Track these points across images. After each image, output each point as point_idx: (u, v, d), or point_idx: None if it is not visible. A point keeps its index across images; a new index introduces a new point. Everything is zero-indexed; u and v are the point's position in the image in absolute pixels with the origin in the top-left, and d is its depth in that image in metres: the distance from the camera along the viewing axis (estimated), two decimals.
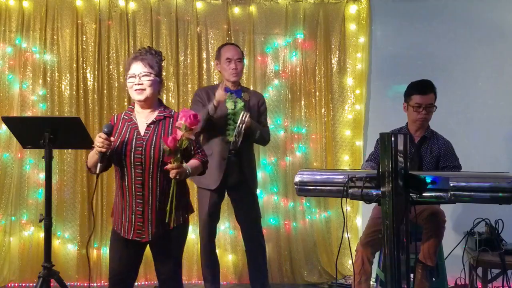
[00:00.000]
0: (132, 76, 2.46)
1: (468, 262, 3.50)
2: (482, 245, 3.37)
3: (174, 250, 2.55)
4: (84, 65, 4.15)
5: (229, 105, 3.42)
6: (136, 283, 2.68)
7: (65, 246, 4.12)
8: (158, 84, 2.51)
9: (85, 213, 4.10)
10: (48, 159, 2.69)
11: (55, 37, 4.14)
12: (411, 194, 2.02)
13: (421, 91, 3.20)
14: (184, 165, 2.42)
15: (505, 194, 2.00)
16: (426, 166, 3.22)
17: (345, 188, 2.14)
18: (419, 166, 3.21)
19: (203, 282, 3.59)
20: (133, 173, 2.42)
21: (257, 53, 4.25)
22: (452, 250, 3.48)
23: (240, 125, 3.25)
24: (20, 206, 4.09)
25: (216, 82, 3.99)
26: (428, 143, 3.24)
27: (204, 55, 4.21)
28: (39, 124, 2.72)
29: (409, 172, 2.01)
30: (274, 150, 4.25)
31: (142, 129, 2.48)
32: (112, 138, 2.38)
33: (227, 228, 4.16)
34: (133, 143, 2.43)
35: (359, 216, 4.25)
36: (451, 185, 2.03)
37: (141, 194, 2.42)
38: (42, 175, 3.96)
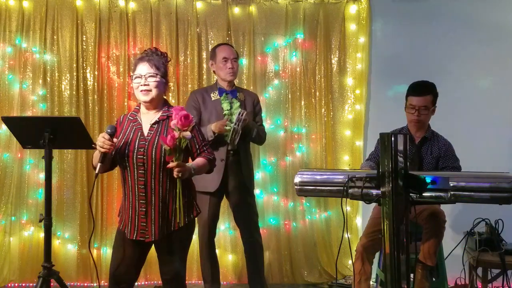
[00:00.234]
0: (138, 77, 2.46)
1: (468, 262, 3.50)
2: (482, 245, 3.38)
3: (179, 251, 2.54)
4: (84, 65, 4.15)
5: (225, 106, 3.42)
6: (136, 283, 2.67)
7: (65, 246, 4.12)
8: (163, 85, 2.51)
9: (85, 213, 4.09)
10: (48, 159, 2.69)
11: (55, 37, 4.14)
12: (411, 194, 2.03)
13: (416, 92, 3.18)
14: (188, 164, 2.41)
15: (505, 194, 2.00)
16: (426, 167, 3.21)
17: (345, 188, 2.14)
18: (419, 167, 3.21)
19: (202, 282, 3.60)
20: (135, 174, 2.42)
21: (257, 53, 4.25)
22: (452, 250, 3.48)
23: (238, 123, 3.25)
24: (20, 206, 4.09)
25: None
26: (428, 144, 3.24)
27: (204, 55, 4.21)
28: (39, 124, 2.72)
29: (409, 172, 2.01)
30: (274, 150, 4.25)
31: (146, 129, 2.48)
32: (115, 140, 2.38)
33: (227, 228, 4.16)
34: (136, 143, 2.43)
35: (359, 216, 4.25)
36: (451, 185, 2.03)
37: (144, 194, 2.41)
38: (42, 175, 3.96)
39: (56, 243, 4.07)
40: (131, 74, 2.51)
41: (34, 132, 2.67)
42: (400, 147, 1.97)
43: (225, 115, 3.40)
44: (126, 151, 2.42)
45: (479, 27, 4.16)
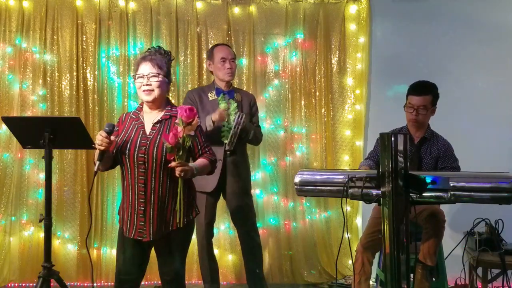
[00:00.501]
0: (141, 77, 2.46)
1: (468, 262, 3.50)
2: (482, 245, 3.38)
3: (178, 251, 2.54)
4: (84, 65, 4.15)
5: (222, 106, 3.43)
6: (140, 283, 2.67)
7: (65, 246, 4.12)
8: (166, 84, 2.51)
9: (85, 213, 4.09)
10: (48, 159, 2.69)
11: (55, 37, 4.14)
12: (411, 194, 2.03)
13: (416, 92, 3.19)
14: (191, 164, 2.41)
15: (505, 194, 2.00)
16: (426, 167, 3.21)
17: (345, 188, 2.15)
18: (418, 167, 3.21)
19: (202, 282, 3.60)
20: (136, 172, 2.41)
21: (257, 53, 4.25)
22: (452, 250, 3.49)
23: (237, 126, 3.25)
24: (20, 206, 4.09)
25: None
26: (427, 144, 3.24)
27: (204, 55, 4.20)
28: (39, 124, 2.72)
29: (409, 172, 2.01)
30: (274, 150, 4.25)
31: (148, 128, 2.47)
32: (112, 137, 2.37)
33: (227, 228, 4.16)
34: (138, 142, 2.42)
35: (359, 216, 4.25)
36: (451, 185, 2.03)
37: (143, 193, 2.41)
38: (42, 175, 3.96)
39: (56, 243, 4.07)
40: (134, 73, 2.51)
41: (34, 132, 2.67)
42: (400, 147, 1.97)
43: None
44: (127, 149, 2.42)
45: (479, 27, 4.16)
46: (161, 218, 2.44)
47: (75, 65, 4.12)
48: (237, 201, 3.48)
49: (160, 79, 2.46)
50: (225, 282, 4.11)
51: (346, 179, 2.16)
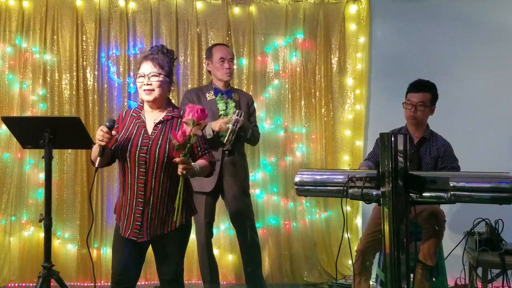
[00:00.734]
0: (142, 76, 2.45)
1: (468, 262, 3.50)
2: (482, 245, 3.37)
3: (176, 251, 2.53)
4: (84, 65, 4.15)
5: (221, 106, 3.43)
6: (137, 283, 2.66)
7: (65, 246, 4.12)
8: (167, 84, 2.50)
9: (85, 213, 4.10)
10: (48, 159, 2.69)
11: (55, 37, 4.14)
12: (411, 194, 2.03)
13: (415, 89, 3.22)
14: (192, 163, 2.41)
15: (505, 194, 2.00)
16: (425, 167, 3.21)
17: (345, 188, 2.14)
18: (418, 167, 3.21)
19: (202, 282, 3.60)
20: (136, 172, 2.40)
21: (257, 53, 4.25)
22: (452, 250, 3.48)
23: (236, 124, 3.25)
24: (20, 206, 4.09)
25: None
26: (427, 144, 3.24)
27: (204, 55, 4.20)
28: (39, 124, 2.72)
29: (409, 172, 2.01)
30: (274, 150, 4.25)
31: (149, 128, 2.46)
32: (114, 132, 2.36)
33: (227, 228, 4.16)
34: (139, 141, 2.42)
35: (359, 216, 4.25)
36: (451, 185, 2.03)
37: (142, 193, 2.40)
38: (42, 175, 3.96)
39: (56, 243, 4.07)
40: (136, 72, 2.50)
41: (34, 132, 2.67)
42: (400, 147, 1.97)
43: (221, 116, 3.41)
44: (129, 147, 2.40)
45: (479, 27, 4.16)
46: (159, 219, 2.43)
47: (75, 65, 4.12)
48: (236, 201, 3.48)
49: (161, 79, 2.45)
50: (225, 282, 4.11)
51: (346, 179, 2.16)
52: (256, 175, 4.20)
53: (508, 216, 3.31)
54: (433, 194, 2.08)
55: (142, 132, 2.45)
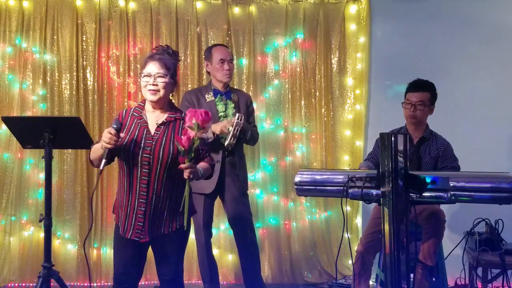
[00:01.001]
0: (147, 76, 2.43)
1: (468, 262, 3.50)
2: (482, 245, 3.37)
3: (176, 252, 2.54)
4: (84, 65, 4.15)
5: (220, 108, 3.43)
6: (138, 283, 2.67)
7: (65, 246, 4.12)
8: (172, 85, 2.49)
9: (85, 213, 4.09)
10: (48, 159, 2.69)
11: (55, 37, 4.13)
12: (411, 194, 2.03)
13: (414, 88, 3.23)
14: (197, 166, 2.41)
15: (505, 194, 2.00)
16: (425, 167, 3.21)
17: (345, 188, 2.15)
18: (417, 167, 3.21)
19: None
20: (139, 172, 2.40)
21: (257, 53, 4.25)
22: (452, 250, 3.48)
23: (237, 128, 3.25)
24: (20, 206, 4.09)
25: None
26: (427, 144, 3.24)
27: (203, 55, 4.21)
28: (39, 124, 2.72)
29: (409, 172, 2.01)
30: (274, 150, 4.25)
31: (152, 128, 2.45)
32: (122, 135, 2.35)
33: (226, 228, 4.16)
34: (142, 142, 2.41)
35: (359, 216, 4.25)
36: (451, 185, 2.04)
37: (145, 194, 2.40)
38: (42, 175, 3.95)
39: (56, 243, 4.07)
40: (140, 71, 2.49)
41: (34, 132, 2.67)
42: (400, 147, 1.97)
43: (221, 117, 3.41)
44: (132, 148, 2.39)
45: (479, 27, 4.16)
46: (160, 220, 2.44)
47: (75, 65, 4.12)
48: (235, 202, 3.49)
49: (166, 80, 2.44)
50: (225, 282, 4.11)
51: (346, 179, 2.16)
52: (256, 175, 4.20)
53: (508, 216, 3.31)
54: (433, 194, 2.08)
55: (145, 132, 2.44)
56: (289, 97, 4.26)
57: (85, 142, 2.74)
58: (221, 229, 4.16)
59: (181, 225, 2.48)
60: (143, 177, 2.39)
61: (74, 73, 4.12)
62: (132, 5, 4.18)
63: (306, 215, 4.25)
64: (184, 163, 2.29)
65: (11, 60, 4.13)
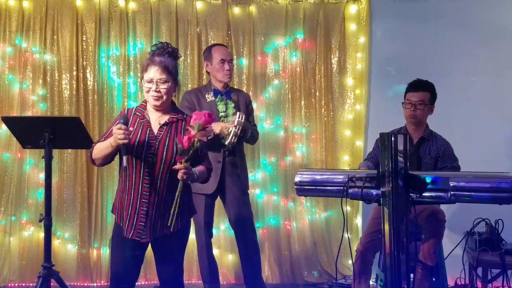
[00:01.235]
0: (149, 82, 2.42)
1: (468, 262, 3.50)
2: (482, 245, 3.38)
3: (176, 251, 2.54)
4: (84, 65, 4.15)
5: (221, 108, 3.43)
6: (136, 283, 2.67)
7: (65, 246, 4.12)
8: (174, 88, 2.48)
9: (85, 213, 4.09)
10: (48, 159, 2.69)
11: (55, 37, 4.13)
12: (411, 194, 2.03)
13: (413, 88, 3.24)
14: (193, 169, 2.40)
15: (505, 194, 2.00)
16: (425, 167, 3.22)
17: (345, 188, 2.15)
18: (417, 167, 3.21)
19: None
20: (142, 172, 2.40)
21: (257, 53, 4.25)
22: (452, 250, 3.48)
23: (238, 127, 3.25)
24: (20, 206, 4.09)
25: None
26: (426, 144, 3.24)
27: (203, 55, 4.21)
28: (39, 124, 2.72)
29: (409, 172, 2.01)
30: (274, 150, 4.25)
31: (154, 128, 2.45)
32: (131, 128, 2.35)
33: (227, 228, 4.16)
34: (146, 141, 2.40)
35: (359, 216, 4.25)
36: (451, 185, 2.04)
37: (147, 194, 2.40)
38: (42, 175, 3.95)
39: (56, 243, 4.07)
40: (142, 73, 2.47)
41: (34, 132, 2.68)
42: (400, 147, 1.97)
43: (221, 117, 3.41)
44: (135, 147, 2.39)
45: (479, 27, 4.16)
46: (162, 220, 2.43)
47: (75, 65, 4.12)
48: (236, 202, 3.48)
49: (169, 85, 2.42)
50: (225, 282, 4.12)
51: (346, 179, 2.16)
52: (256, 175, 4.20)
53: (508, 216, 3.31)
54: (433, 194, 2.08)
55: (148, 132, 2.43)
56: (289, 97, 4.26)
57: (85, 142, 2.74)
58: (221, 229, 4.16)
59: (182, 226, 2.49)
60: (145, 177, 2.39)
61: (74, 73, 4.12)
62: (132, 5, 4.18)
63: (306, 215, 4.25)
64: (181, 163, 2.29)
65: (11, 60, 4.13)
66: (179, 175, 2.30)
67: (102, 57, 4.16)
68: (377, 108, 4.27)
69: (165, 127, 2.45)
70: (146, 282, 4.08)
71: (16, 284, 4.05)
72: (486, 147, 4.05)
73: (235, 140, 3.29)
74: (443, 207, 3.21)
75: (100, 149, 2.40)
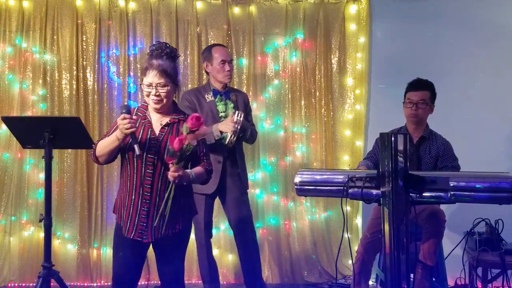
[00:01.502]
0: (149, 86, 2.41)
1: (468, 262, 3.50)
2: (482, 245, 3.37)
3: (177, 252, 2.54)
4: (84, 65, 4.15)
5: (220, 108, 3.43)
6: (138, 283, 2.67)
7: (65, 246, 4.12)
8: (174, 90, 2.48)
9: (85, 213, 4.09)
10: (48, 159, 2.69)
11: (55, 37, 4.13)
12: (411, 194, 2.03)
13: (414, 87, 3.25)
14: (189, 170, 2.40)
15: (505, 194, 2.00)
16: (425, 167, 3.22)
17: (345, 188, 2.15)
18: (417, 167, 3.21)
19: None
20: (143, 172, 2.40)
21: (257, 53, 4.25)
22: (452, 250, 3.48)
23: (237, 125, 3.25)
24: (20, 206, 4.09)
25: None
26: (426, 143, 3.25)
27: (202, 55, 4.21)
28: (39, 124, 2.72)
29: (409, 172, 2.01)
30: (274, 150, 4.25)
31: (156, 128, 2.45)
32: (134, 117, 2.35)
33: (227, 228, 4.16)
34: (147, 142, 2.40)
35: (359, 216, 4.25)
36: (451, 185, 2.04)
37: (148, 194, 2.40)
38: (42, 175, 3.95)
39: (56, 243, 4.07)
40: (141, 76, 2.47)
41: (34, 132, 2.68)
42: (400, 147, 1.97)
43: (221, 117, 3.41)
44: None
45: (479, 27, 4.16)
46: (163, 220, 2.43)
47: (75, 65, 4.12)
48: (236, 203, 3.48)
49: (168, 89, 2.42)
50: (225, 282, 4.12)
51: (346, 179, 2.16)
52: (256, 175, 4.20)
53: (508, 216, 3.31)
54: (433, 194, 2.08)
55: (149, 132, 2.43)
56: (289, 97, 4.26)
57: (85, 142, 2.74)
58: (221, 229, 4.16)
59: (183, 227, 2.49)
60: (147, 177, 2.39)
61: (74, 73, 4.12)
62: (132, 5, 4.18)
63: (306, 215, 4.25)
64: (172, 164, 2.29)
65: (11, 60, 4.13)
66: (170, 178, 2.30)
67: (102, 57, 4.16)
68: (377, 108, 4.27)
69: (166, 127, 2.45)
70: (146, 282, 4.07)
71: (16, 284, 4.05)
72: (486, 147, 4.05)
73: (234, 138, 3.29)
74: (443, 207, 3.21)
75: (105, 145, 2.39)
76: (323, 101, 4.25)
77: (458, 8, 4.19)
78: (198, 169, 2.47)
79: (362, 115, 4.25)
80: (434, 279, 3.27)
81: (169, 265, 2.53)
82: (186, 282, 3.92)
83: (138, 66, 4.12)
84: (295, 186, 2.35)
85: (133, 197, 2.42)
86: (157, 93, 2.41)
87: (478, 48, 4.16)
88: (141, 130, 2.43)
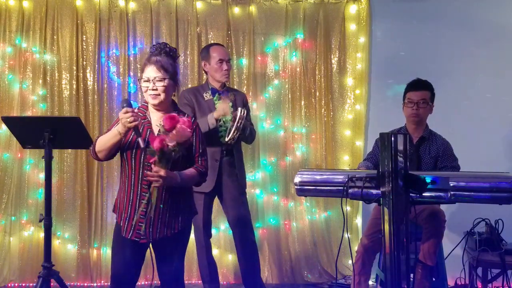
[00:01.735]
0: (146, 81, 2.41)
1: (468, 262, 3.50)
2: (482, 245, 3.38)
3: (177, 253, 2.53)
4: (84, 65, 4.15)
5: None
6: (136, 283, 2.67)
7: (65, 246, 4.11)
8: (172, 87, 2.47)
9: (85, 213, 4.09)
10: (48, 159, 2.69)
11: (55, 37, 4.13)
12: (411, 194, 2.03)
13: (414, 87, 3.26)
14: (176, 172, 2.36)
15: (505, 194, 2.00)
16: (425, 167, 3.22)
17: (345, 188, 2.15)
18: (417, 167, 3.21)
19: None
20: (141, 173, 2.39)
21: (257, 53, 4.25)
22: (452, 250, 3.48)
23: (240, 121, 3.25)
24: (20, 206, 4.09)
25: None
26: (426, 143, 3.25)
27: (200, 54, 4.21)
28: (39, 124, 2.72)
29: (409, 172, 2.01)
30: (274, 150, 4.25)
31: (155, 128, 2.45)
32: (135, 109, 2.35)
33: (226, 228, 4.15)
34: (146, 141, 2.38)
35: (359, 216, 4.25)
36: (451, 185, 2.04)
37: (146, 194, 2.40)
38: (42, 175, 3.95)
39: (56, 243, 4.07)
40: (140, 74, 2.47)
41: (34, 132, 2.68)
42: (400, 147, 1.97)
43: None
44: (135, 148, 2.38)
45: (479, 27, 4.16)
46: (162, 221, 2.43)
47: (75, 65, 4.12)
48: (235, 203, 3.48)
49: (166, 83, 2.41)
50: (225, 282, 4.11)
51: (346, 179, 2.16)
52: (256, 175, 4.20)
53: (508, 216, 3.31)
54: (433, 194, 2.09)
55: (148, 133, 2.43)
56: (289, 97, 4.26)
57: (85, 142, 2.74)
58: (221, 229, 4.16)
59: (183, 227, 2.48)
60: (145, 178, 2.38)
61: (74, 73, 4.12)
62: (132, 5, 4.18)
63: (306, 215, 4.25)
64: (154, 164, 2.28)
65: (11, 60, 4.13)
66: (148, 178, 2.29)
67: (102, 57, 4.16)
68: (377, 108, 4.27)
69: None
70: (146, 282, 4.07)
71: (16, 284, 4.05)
72: (486, 147, 4.05)
73: (236, 135, 3.29)
74: (443, 207, 3.21)
75: (105, 140, 2.38)
76: (323, 101, 4.25)
77: (458, 8, 4.19)
78: (189, 171, 2.44)
79: (362, 115, 4.25)
80: (434, 279, 3.27)
81: (169, 265, 2.52)
82: (186, 282, 3.92)
83: (138, 66, 4.12)
84: (295, 186, 2.35)
85: (131, 197, 2.42)
86: (154, 87, 2.40)
87: (478, 48, 4.16)
88: (140, 131, 2.43)
